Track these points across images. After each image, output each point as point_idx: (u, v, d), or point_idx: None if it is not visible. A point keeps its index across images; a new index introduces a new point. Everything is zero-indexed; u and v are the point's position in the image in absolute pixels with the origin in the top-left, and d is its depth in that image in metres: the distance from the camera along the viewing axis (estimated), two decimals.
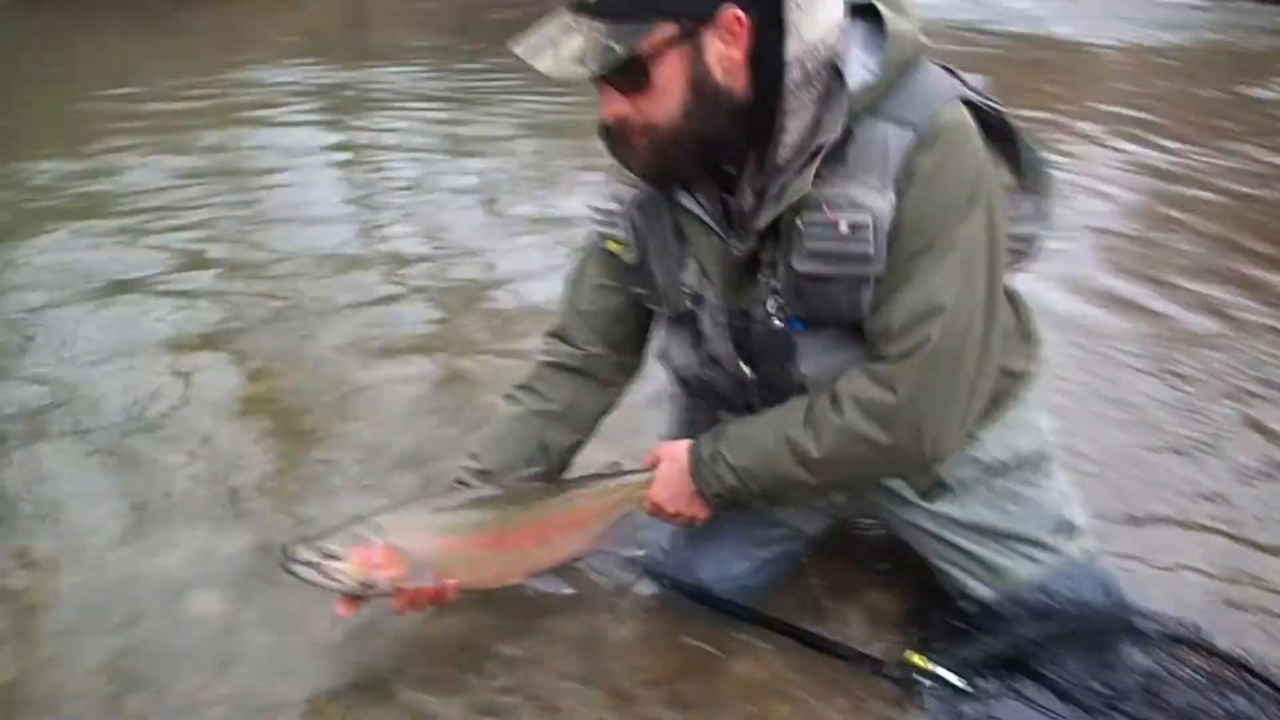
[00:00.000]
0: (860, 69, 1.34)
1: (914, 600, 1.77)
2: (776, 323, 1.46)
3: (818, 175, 1.34)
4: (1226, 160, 5.26)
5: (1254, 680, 1.52)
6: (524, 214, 4.16)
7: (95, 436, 2.32)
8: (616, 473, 1.68)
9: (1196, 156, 5.37)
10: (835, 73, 1.35)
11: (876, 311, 1.39)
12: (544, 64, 1.32)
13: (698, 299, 1.54)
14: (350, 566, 1.47)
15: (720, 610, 1.71)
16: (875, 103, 1.34)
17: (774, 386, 1.52)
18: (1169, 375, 2.80)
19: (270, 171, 4.74)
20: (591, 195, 1.63)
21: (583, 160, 4.60)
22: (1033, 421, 1.66)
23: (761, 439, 1.49)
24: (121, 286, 3.25)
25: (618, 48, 1.29)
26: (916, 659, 1.57)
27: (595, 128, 1.43)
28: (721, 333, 1.54)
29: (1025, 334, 1.66)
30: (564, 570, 1.65)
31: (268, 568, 1.77)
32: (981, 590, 1.65)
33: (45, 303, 3.11)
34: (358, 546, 1.48)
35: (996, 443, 1.61)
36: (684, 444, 1.58)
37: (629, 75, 1.33)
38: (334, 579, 1.47)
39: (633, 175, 1.49)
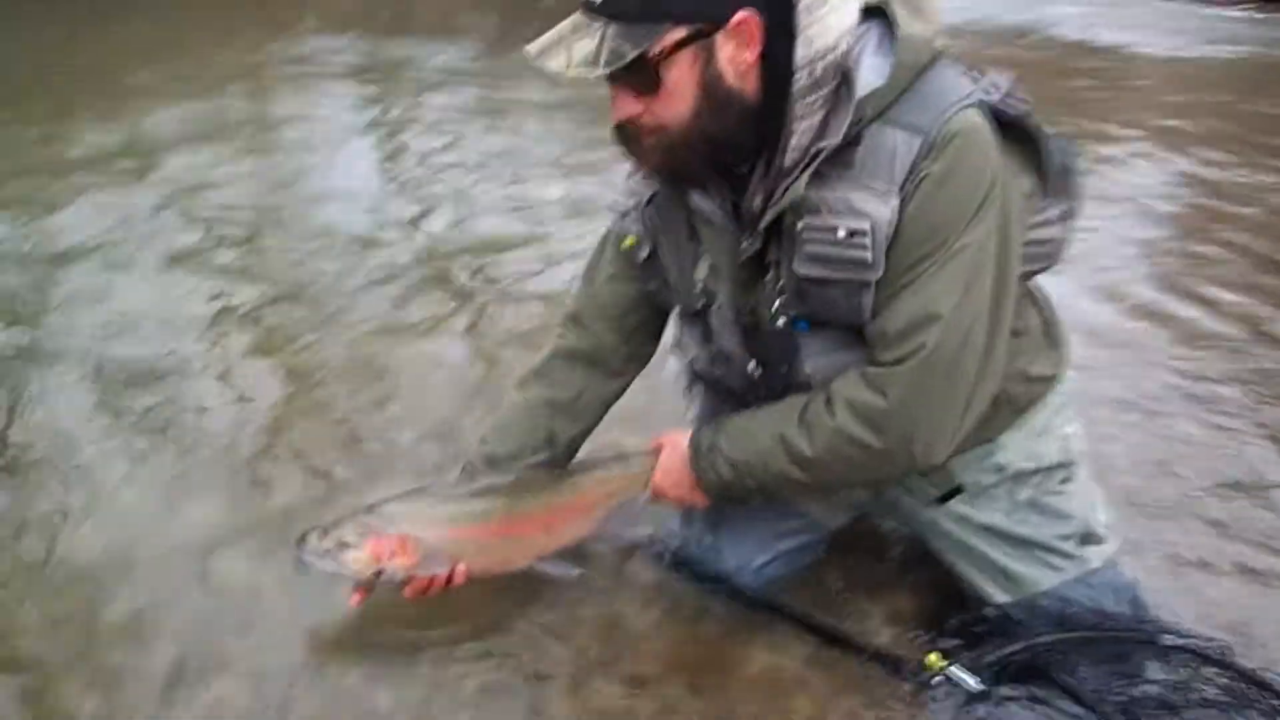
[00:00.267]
0: (870, 74, 1.34)
1: (935, 601, 1.77)
2: (782, 322, 1.46)
3: (823, 179, 1.35)
4: (1272, 177, 5.18)
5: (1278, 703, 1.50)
6: (560, 195, 4.17)
7: (125, 401, 2.35)
8: (620, 459, 1.73)
9: (1242, 171, 5.29)
10: (844, 77, 1.35)
11: (876, 316, 1.39)
12: (556, 65, 1.33)
13: (709, 296, 1.55)
14: (364, 555, 1.52)
15: (741, 601, 1.72)
16: (885, 108, 1.33)
17: (781, 385, 1.52)
18: (1202, 380, 2.77)
19: (307, 147, 4.76)
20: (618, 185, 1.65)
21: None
22: (1058, 427, 1.64)
23: (758, 435, 1.51)
24: (156, 256, 3.30)
25: (629, 50, 1.29)
26: (936, 660, 1.56)
27: None
28: (731, 330, 1.55)
29: (1052, 338, 1.65)
30: (572, 553, 1.69)
31: (292, 533, 1.79)
32: (998, 595, 1.64)
33: (78, 269, 3.15)
34: (371, 536, 1.53)
35: (1019, 450, 1.60)
36: (686, 433, 1.61)
37: (640, 77, 1.33)
38: (348, 568, 1.52)
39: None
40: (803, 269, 1.40)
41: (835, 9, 1.34)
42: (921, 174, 1.32)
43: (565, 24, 1.35)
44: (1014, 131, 1.39)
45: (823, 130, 1.36)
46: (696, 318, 1.60)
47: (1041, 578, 1.62)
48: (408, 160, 4.69)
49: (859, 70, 1.34)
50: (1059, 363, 1.65)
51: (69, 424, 2.22)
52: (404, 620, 1.69)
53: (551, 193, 4.23)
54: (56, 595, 1.72)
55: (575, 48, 1.32)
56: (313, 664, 1.60)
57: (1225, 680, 1.53)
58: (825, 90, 1.36)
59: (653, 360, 1.81)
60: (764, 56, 1.33)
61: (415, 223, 3.81)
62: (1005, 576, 1.63)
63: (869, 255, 1.35)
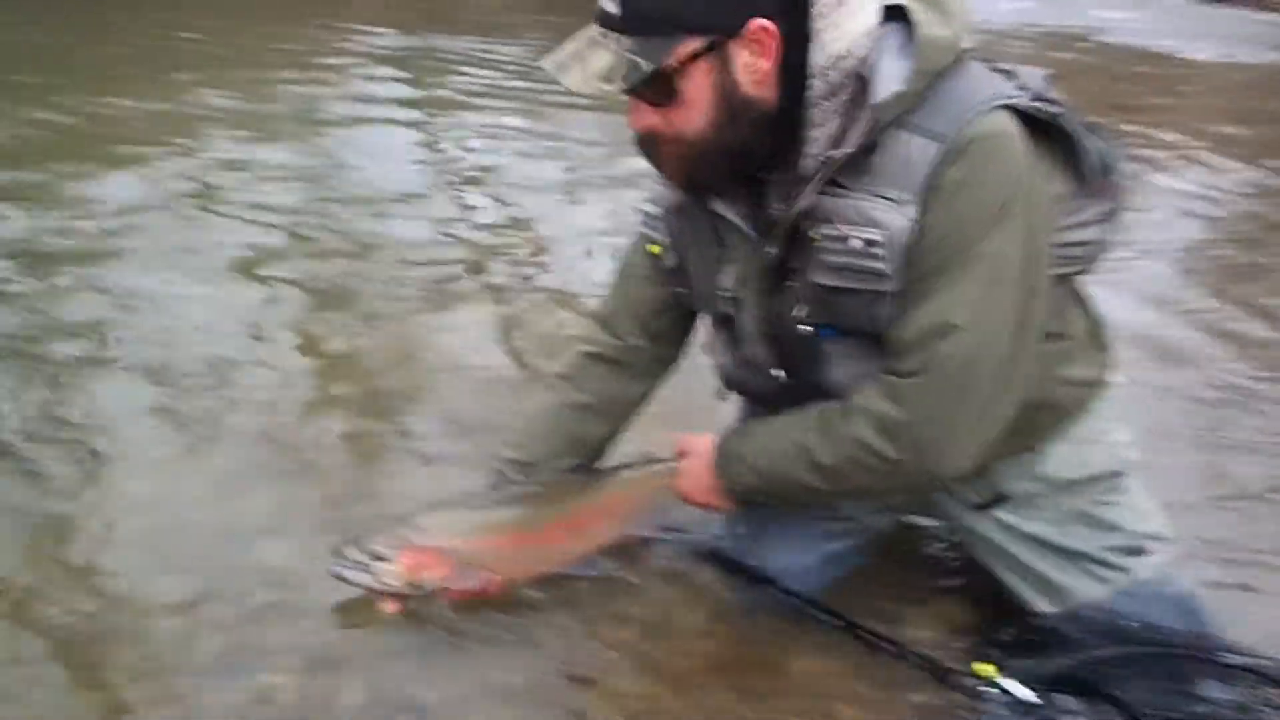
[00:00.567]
0: (889, 78, 1.31)
1: (984, 610, 1.74)
2: (807, 329, 1.45)
3: (842, 187, 1.33)
4: None
5: None
6: (605, 197, 4.16)
7: (178, 400, 2.36)
8: (646, 463, 1.76)
9: None
10: (861, 83, 1.33)
11: (894, 325, 1.37)
12: (572, 80, 1.33)
13: (735, 302, 1.54)
14: (398, 568, 1.54)
15: (788, 604, 1.70)
16: (904, 113, 1.31)
17: (808, 391, 1.51)
18: (1257, 389, 2.73)
19: (353, 144, 4.79)
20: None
21: None
22: (1105, 435, 1.61)
23: (778, 441, 1.50)
24: (195, 239, 3.34)
25: (644, 63, 1.29)
26: (985, 669, 1.53)
27: None
28: (757, 336, 1.54)
29: (1098, 342, 1.61)
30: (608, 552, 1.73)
31: (337, 522, 1.83)
32: (1041, 604, 1.62)
33: (120, 249, 3.19)
34: (405, 548, 1.55)
35: (1065, 460, 1.57)
36: (709, 438, 1.62)
37: (656, 89, 1.33)
38: (382, 580, 1.54)
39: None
40: (820, 278, 1.39)
41: (852, 13, 1.32)
42: (940, 181, 1.29)
43: (581, 38, 1.35)
44: (1046, 131, 1.35)
45: (841, 137, 1.35)
46: (723, 324, 1.60)
47: (1088, 589, 1.59)
48: (450, 155, 4.71)
49: (877, 75, 1.32)
50: (1104, 366, 1.61)
51: (124, 419, 2.24)
52: (449, 617, 1.68)
53: (595, 195, 4.24)
54: (111, 580, 1.73)
55: (591, 62, 1.32)
56: (359, 657, 1.60)
57: None
58: (842, 96, 1.34)
59: (688, 362, 1.81)
60: (782, 62, 1.32)
61: (459, 221, 3.82)
62: (1050, 586, 1.61)
63: (884, 266, 1.34)
